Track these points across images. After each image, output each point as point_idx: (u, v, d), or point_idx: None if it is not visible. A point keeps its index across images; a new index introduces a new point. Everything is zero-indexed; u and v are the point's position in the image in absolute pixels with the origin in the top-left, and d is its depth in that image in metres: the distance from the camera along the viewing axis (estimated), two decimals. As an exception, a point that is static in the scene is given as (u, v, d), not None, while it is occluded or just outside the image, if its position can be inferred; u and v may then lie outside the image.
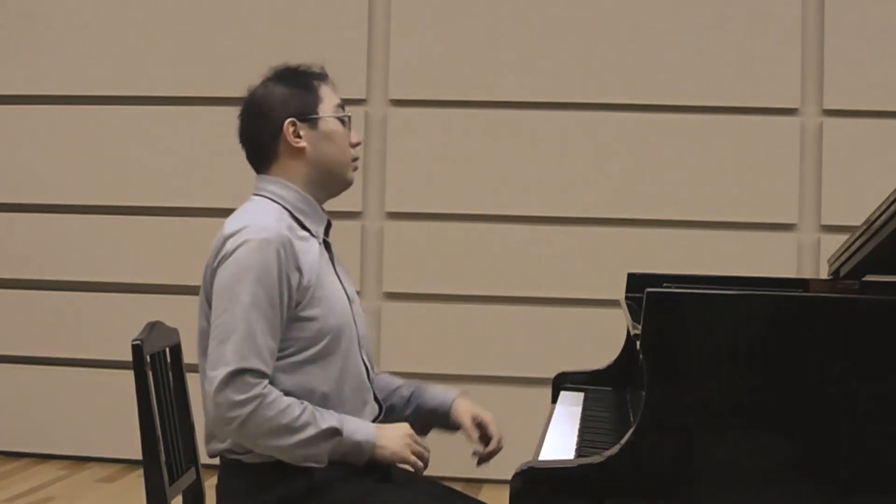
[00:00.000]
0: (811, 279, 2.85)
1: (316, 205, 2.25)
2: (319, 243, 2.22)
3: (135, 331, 2.24)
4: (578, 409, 2.48)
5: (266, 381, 2.05)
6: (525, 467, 1.79)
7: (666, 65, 4.62)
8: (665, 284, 2.44)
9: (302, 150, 2.22)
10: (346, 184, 2.29)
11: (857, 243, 2.39)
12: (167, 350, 2.35)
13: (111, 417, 4.81)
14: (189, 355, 2.46)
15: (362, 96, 4.76)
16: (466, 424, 2.32)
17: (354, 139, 2.29)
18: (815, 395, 1.75)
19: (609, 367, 2.77)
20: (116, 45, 4.91)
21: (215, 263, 2.13)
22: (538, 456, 2.02)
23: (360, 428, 2.12)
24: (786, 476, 1.75)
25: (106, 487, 4.56)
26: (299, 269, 2.11)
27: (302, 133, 2.23)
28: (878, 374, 1.75)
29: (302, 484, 2.09)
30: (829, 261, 2.75)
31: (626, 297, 2.75)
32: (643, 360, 1.81)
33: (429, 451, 2.20)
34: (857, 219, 2.52)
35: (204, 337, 2.17)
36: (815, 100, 4.58)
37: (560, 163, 4.68)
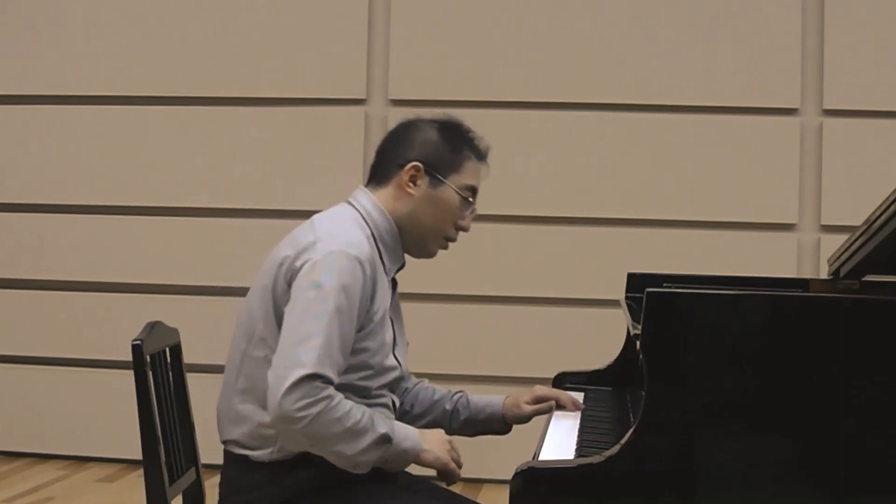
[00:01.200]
0: (811, 279, 2.84)
1: (399, 243, 2.23)
2: (389, 281, 2.21)
3: (135, 331, 2.24)
4: (578, 411, 2.48)
5: (332, 388, 2.01)
6: (525, 467, 1.79)
7: (666, 65, 4.62)
8: (665, 284, 2.44)
9: (409, 196, 2.19)
10: (422, 254, 2.27)
11: (857, 243, 2.39)
12: (167, 350, 2.35)
13: (111, 417, 4.81)
14: (189, 355, 2.46)
15: (362, 96, 4.76)
16: (534, 411, 2.40)
17: (464, 223, 2.25)
18: (815, 394, 1.75)
19: (609, 367, 2.77)
20: (116, 45, 4.91)
21: (299, 262, 2.08)
22: (538, 456, 2.02)
23: (409, 434, 2.11)
24: (786, 476, 1.75)
25: (106, 487, 4.56)
26: (372, 299, 2.11)
27: (419, 182, 2.19)
28: (878, 374, 1.75)
29: (308, 484, 2.10)
30: (829, 261, 2.75)
31: (626, 297, 2.75)
32: (643, 360, 1.81)
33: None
34: (857, 219, 2.52)
35: (254, 321, 2.15)
36: (815, 100, 4.58)
37: (560, 163, 4.67)
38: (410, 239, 2.23)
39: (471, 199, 2.24)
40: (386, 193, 2.22)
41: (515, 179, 4.69)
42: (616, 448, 1.77)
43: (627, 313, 2.48)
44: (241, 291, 4.96)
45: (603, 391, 2.67)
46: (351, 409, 2.02)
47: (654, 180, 4.63)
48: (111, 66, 4.92)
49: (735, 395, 1.77)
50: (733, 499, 1.75)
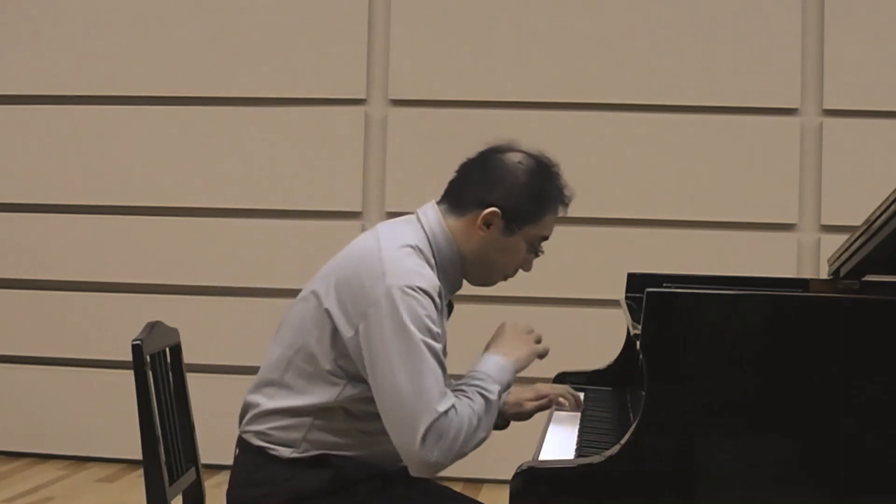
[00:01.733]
0: (811, 279, 2.84)
1: (460, 272, 2.22)
2: (443, 306, 2.19)
3: (135, 331, 2.24)
4: (578, 409, 2.48)
5: (451, 413, 2.02)
6: (525, 467, 1.79)
7: (666, 65, 4.62)
8: (665, 284, 2.44)
9: (479, 236, 2.17)
10: (478, 283, 2.27)
11: (857, 243, 2.39)
12: (167, 350, 2.35)
13: (111, 417, 4.81)
14: (189, 355, 2.46)
15: (362, 96, 4.76)
16: (535, 408, 2.39)
17: (526, 268, 2.28)
18: (815, 394, 1.75)
19: (609, 367, 2.77)
20: (116, 45, 4.91)
21: (366, 294, 2.04)
22: (538, 456, 2.02)
23: (505, 367, 2.15)
24: (786, 476, 1.75)
25: (106, 487, 4.55)
26: (441, 325, 2.12)
27: (492, 226, 2.16)
28: (878, 374, 1.75)
29: (319, 483, 2.10)
30: (829, 261, 2.75)
31: (626, 297, 2.75)
32: (643, 360, 1.81)
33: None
34: (857, 219, 2.52)
35: (306, 335, 2.11)
36: (815, 100, 4.58)
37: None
38: (471, 271, 2.23)
39: (538, 250, 2.26)
40: (457, 225, 2.18)
41: (515, 179, 4.68)
42: (616, 448, 1.77)
43: (627, 313, 2.48)
44: (242, 291, 4.98)
45: (603, 391, 2.67)
46: (465, 414, 2.03)
47: (654, 180, 4.63)
48: (111, 66, 4.92)
49: (735, 395, 1.77)
50: (733, 499, 1.75)
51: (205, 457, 2.47)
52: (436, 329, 2.05)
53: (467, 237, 2.17)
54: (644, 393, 1.79)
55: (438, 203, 2.23)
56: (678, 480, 1.76)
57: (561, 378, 2.77)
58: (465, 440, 2.02)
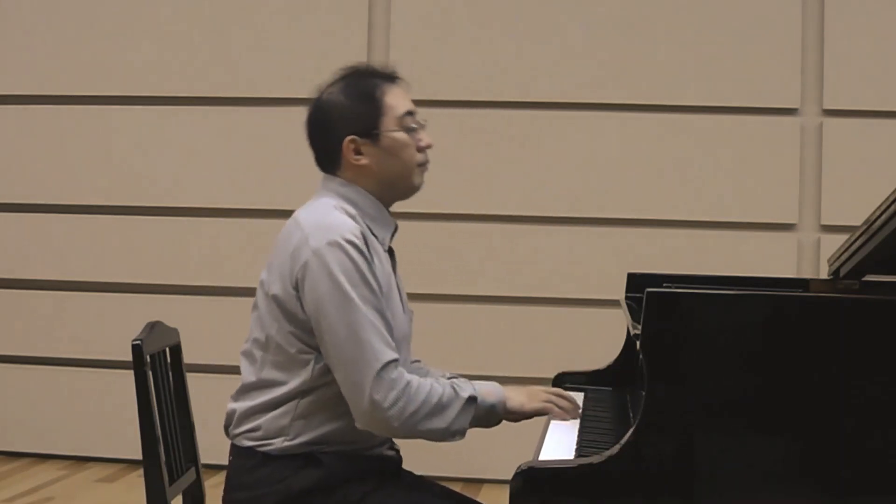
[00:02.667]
0: (811, 279, 2.84)
1: (384, 209, 2.25)
2: (385, 250, 2.23)
3: (135, 331, 2.24)
4: (578, 410, 2.47)
5: (401, 368, 2.07)
6: (525, 467, 1.79)
7: (666, 65, 4.62)
8: (665, 284, 2.44)
9: (365, 166, 2.20)
10: (414, 190, 2.28)
11: (857, 243, 2.39)
12: (167, 350, 2.35)
13: (111, 417, 4.81)
14: (189, 355, 2.46)
15: (362, 96, 4.75)
16: (533, 411, 2.28)
17: (423, 143, 2.26)
18: (815, 394, 1.75)
19: (609, 367, 2.76)
20: (116, 45, 4.91)
21: (298, 264, 2.09)
22: (538, 456, 2.02)
23: (491, 390, 2.16)
24: (786, 476, 1.75)
25: (106, 487, 4.56)
26: (374, 273, 2.12)
27: (363, 150, 2.19)
28: (878, 374, 1.75)
29: (312, 481, 2.10)
30: (829, 261, 2.75)
31: (626, 297, 2.75)
32: (643, 360, 1.81)
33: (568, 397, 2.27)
34: (857, 219, 2.52)
35: (266, 329, 2.15)
36: (815, 100, 4.58)
37: (560, 163, 4.67)
38: (393, 191, 2.25)
39: (414, 125, 2.24)
40: (344, 175, 2.23)
41: (515, 179, 4.69)
42: (616, 448, 1.77)
43: (627, 313, 2.48)
44: (241, 291, 4.98)
45: (603, 391, 2.67)
46: (432, 387, 2.08)
47: (654, 180, 4.63)
48: (111, 66, 4.92)
49: (735, 395, 1.77)
50: (733, 499, 1.75)
51: (205, 457, 2.47)
52: (370, 278, 2.08)
53: (358, 175, 2.21)
54: (644, 393, 1.79)
55: (324, 179, 2.27)
56: (678, 480, 1.76)
57: (561, 378, 2.77)
58: (421, 412, 2.05)
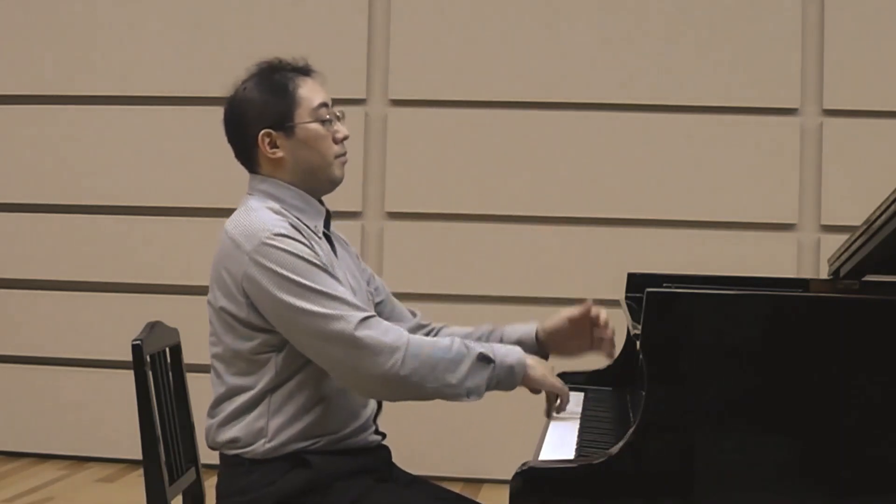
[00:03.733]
0: (811, 279, 2.84)
1: (311, 199, 2.24)
2: (320, 237, 2.22)
3: (135, 331, 2.24)
4: (578, 410, 2.47)
5: (386, 321, 2.07)
6: (525, 467, 1.78)
7: (666, 65, 4.62)
8: (665, 284, 2.44)
9: (280, 159, 2.20)
10: (334, 183, 2.26)
11: (857, 243, 2.39)
12: (167, 350, 2.35)
13: (111, 417, 4.81)
14: (189, 355, 2.46)
15: (362, 96, 4.76)
16: (552, 387, 2.21)
17: (340, 135, 2.24)
18: (816, 395, 1.75)
19: (609, 367, 2.76)
20: (116, 45, 4.91)
21: (238, 272, 2.08)
22: (538, 456, 2.02)
23: (510, 352, 2.13)
24: (786, 476, 1.75)
25: (106, 487, 4.56)
26: (317, 252, 2.12)
27: (278, 143, 2.19)
28: (878, 374, 1.75)
29: (303, 481, 2.10)
30: (829, 261, 2.75)
31: (626, 297, 2.75)
32: (643, 360, 1.81)
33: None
34: (857, 219, 2.52)
35: (222, 340, 2.15)
36: (815, 100, 4.58)
37: (560, 163, 4.68)
38: (312, 184, 2.23)
39: (329, 117, 2.22)
40: (265, 169, 2.22)
41: (515, 179, 4.69)
42: (616, 448, 1.77)
43: (627, 313, 2.48)
44: (241, 291, 4.92)
45: (603, 391, 2.67)
46: (437, 341, 2.06)
47: (654, 180, 4.63)
48: (110, 66, 4.92)
49: (735, 395, 1.77)
50: (733, 499, 1.75)
51: (205, 457, 2.47)
52: (314, 259, 2.07)
53: (278, 168, 2.21)
54: (644, 393, 1.79)
55: (249, 180, 2.28)
56: (678, 480, 1.76)
57: (561, 378, 2.76)
58: (426, 365, 2.02)
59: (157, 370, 2.26)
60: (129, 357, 2.17)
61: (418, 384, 2.03)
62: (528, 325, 2.46)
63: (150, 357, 2.22)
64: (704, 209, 4.60)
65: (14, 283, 5.03)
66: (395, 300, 2.49)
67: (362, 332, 2.01)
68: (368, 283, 2.39)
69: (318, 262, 2.07)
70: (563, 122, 4.68)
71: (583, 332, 2.41)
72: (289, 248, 2.07)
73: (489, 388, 2.09)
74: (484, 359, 2.08)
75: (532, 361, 2.15)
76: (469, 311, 4.72)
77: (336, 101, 4.69)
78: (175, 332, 2.42)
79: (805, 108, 4.58)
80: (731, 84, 4.59)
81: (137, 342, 2.18)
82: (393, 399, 2.14)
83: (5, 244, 5.01)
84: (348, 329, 2.01)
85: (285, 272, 2.05)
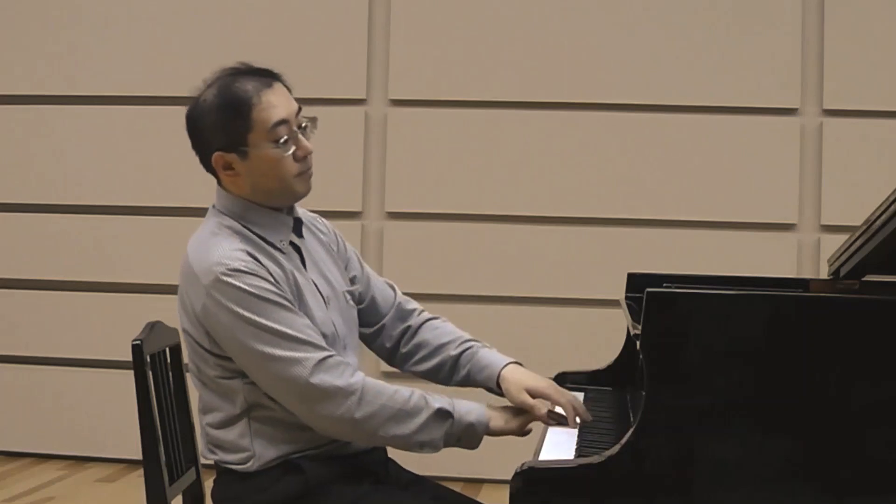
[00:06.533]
0: (811, 279, 2.84)
1: (273, 213, 2.16)
2: (284, 251, 2.16)
3: (135, 331, 2.24)
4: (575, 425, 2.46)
5: (345, 363, 2.02)
6: (525, 467, 1.78)
7: (666, 65, 4.62)
8: (665, 284, 2.44)
9: (239, 178, 2.13)
10: (297, 197, 2.18)
11: (857, 243, 2.39)
12: (167, 350, 2.35)
13: (111, 417, 4.81)
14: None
15: (362, 96, 4.76)
16: (523, 404, 2.16)
17: (300, 154, 2.14)
18: (816, 394, 1.75)
19: (609, 367, 2.76)
20: (116, 45, 4.91)
21: (198, 304, 2.05)
22: (538, 456, 2.02)
23: (472, 408, 2.07)
24: (786, 476, 1.75)
25: (106, 487, 4.55)
26: (276, 284, 2.07)
27: (234, 165, 2.11)
28: (878, 374, 1.75)
29: (297, 487, 2.09)
30: (829, 261, 2.75)
31: (626, 297, 2.75)
32: (643, 360, 1.81)
33: (569, 397, 2.16)
34: (857, 219, 2.52)
35: (196, 363, 2.14)
36: (815, 100, 4.58)
37: (560, 163, 4.67)
38: (275, 200, 2.16)
39: (285, 138, 2.10)
40: (226, 184, 2.18)
41: (515, 179, 4.69)
42: (616, 448, 1.77)
43: (627, 313, 2.48)
44: (241, 291, 4.91)
45: (603, 391, 2.67)
46: (397, 391, 2.03)
47: (654, 180, 4.63)
48: (110, 66, 4.92)
49: (735, 395, 1.77)
50: (733, 499, 1.75)
51: (205, 457, 2.46)
52: (273, 299, 2.02)
53: (236, 188, 2.15)
54: (644, 393, 1.79)
55: (216, 190, 2.23)
56: (678, 480, 1.76)
57: (561, 378, 2.77)
58: (381, 414, 1.98)
59: (157, 370, 2.26)
60: (129, 357, 2.17)
61: (371, 431, 2.02)
62: (500, 361, 2.27)
63: (150, 357, 2.22)
64: (704, 209, 4.60)
65: (14, 283, 5.03)
66: (375, 283, 2.40)
67: (317, 378, 1.98)
68: (347, 269, 2.33)
69: (274, 299, 2.02)
70: (563, 122, 4.68)
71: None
72: (245, 287, 2.01)
73: (448, 443, 2.06)
74: (441, 413, 2.04)
75: (495, 413, 2.09)
76: (469, 311, 4.72)
77: (336, 101, 4.68)
78: (175, 332, 2.42)
79: (805, 108, 4.58)
80: (731, 84, 4.58)
81: (137, 342, 2.18)
82: (343, 439, 2.10)
83: (5, 244, 5.01)
84: (303, 375, 1.98)
85: (241, 311, 2.00)
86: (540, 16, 4.69)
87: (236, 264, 2.04)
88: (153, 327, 2.29)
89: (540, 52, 4.68)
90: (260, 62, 2.33)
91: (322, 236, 2.33)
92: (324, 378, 1.99)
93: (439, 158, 4.74)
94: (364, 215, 4.77)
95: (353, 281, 2.34)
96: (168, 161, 4.89)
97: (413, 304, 2.46)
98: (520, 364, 2.28)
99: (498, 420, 2.10)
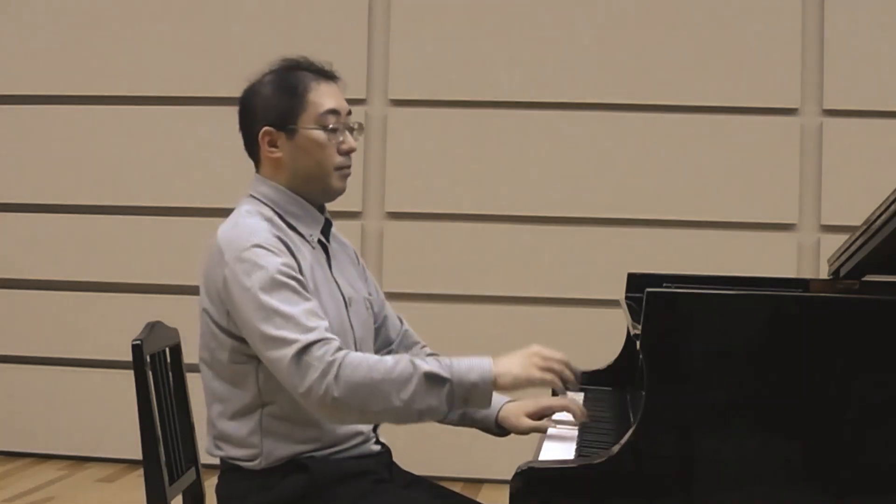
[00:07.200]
0: (811, 279, 2.84)
1: (308, 206, 2.19)
2: (313, 246, 2.18)
3: (135, 331, 2.24)
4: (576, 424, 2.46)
5: (334, 343, 1.96)
6: (525, 467, 1.78)
7: (666, 65, 4.62)
8: (665, 284, 2.44)
9: (279, 160, 2.16)
10: (331, 194, 2.19)
11: (857, 243, 2.39)
12: (167, 350, 2.35)
13: (111, 417, 4.81)
14: (189, 355, 2.46)
15: (362, 96, 4.76)
16: (530, 429, 2.21)
17: (345, 146, 2.16)
18: (816, 394, 1.75)
19: (609, 367, 2.76)
20: (116, 45, 4.91)
21: (219, 279, 2.07)
22: (538, 456, 2.02)
23: (473, 366, 1.95)
24: (786, 476, 1.75)
25: (106, 487, 4.56)
26: (299, 267, 2.09)
27: (278, 143, 2.15)
28: (878, 374, 1.75)
29: (302, 486, 2.09)
30: (829, 261, 2.75)
31: (626, 297, 2.75)
32: (643, 360, 1.81)
33: (565, 363, 2.09)
34: (857, 219, 2.52)
35: (208, 348, 2.15)
36: (815, 100, 4.58)
37: (560, 163, 4.68)
38: (310, 192, 2.18)
39: (335, 126, 2.14)
40: (265, 170, 2.20)
41: (515, 179, 4.69)
42: (616, 448, 1.77)
43: (627, 313, 2.48)
44: (241, 291, 4.92)
45: (603, 391, 2.67)
46: (380, 360, 1.94)
47: (654, 180, 4.63)
48: (110, 65, 4.92)
49: (735, 394, 1.77)
50: (733, 499, 1.75)
51: (205, 457, 2.46)
52: (283, 279, 2.01)
53: (276, 170, 2.18)
54: (644, 393, 1.79)
55: (253, 180, 2.26)
56: (678, 480, 1.76)
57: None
58: (356, 384, 1.90)
59: (157, 370, 2.26)
60: (129, 357, 2.17)
61: (360, 407, 1.92)
62: (496, 404, 2.25)
63: (150, 357, 2.22)
64: (704, 209, 4.61)
65: (14, 283, 5.03)
66: (388, 307, 2.43)
67: (298, 358, 1.94)
68: (365, 283, 2.36)
69: (285, 280, 2.01)
70: (563, 122, 4.68)
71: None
72: (260, 261, 2.02)
73: (454, 408, 1.96)
74: (433, 378, 1.92)
75: (502, 369, 1.97)
76: (469, 311, 4.72)
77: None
78: (175, 332, 2.42)
79: (805, 108, 4.58)
80: (731, 84, 4.59)
81: (137, 342, 2.18)
82: (341, 423, 2.08)
83: (5, 244, 5.01)
84: (287, 355, 1.95)
85: (249, 285, 2.01)
86: (540, 16, 4.69)
87: (258, 240, 2.05)
88: (153, 327, 2.29)
89: (540, 52, 4.68)
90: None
91: (345, 248, 2.36)
92: (303, 359, 1.94)
93: (439, 158, 4.74)
94: (364, 215, 4.77)
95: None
96: (168, 161, 4.90)
97: (418, 338, 2.47)
98: (512, 400, 2.28)
99: (504, 378, 1.97)
